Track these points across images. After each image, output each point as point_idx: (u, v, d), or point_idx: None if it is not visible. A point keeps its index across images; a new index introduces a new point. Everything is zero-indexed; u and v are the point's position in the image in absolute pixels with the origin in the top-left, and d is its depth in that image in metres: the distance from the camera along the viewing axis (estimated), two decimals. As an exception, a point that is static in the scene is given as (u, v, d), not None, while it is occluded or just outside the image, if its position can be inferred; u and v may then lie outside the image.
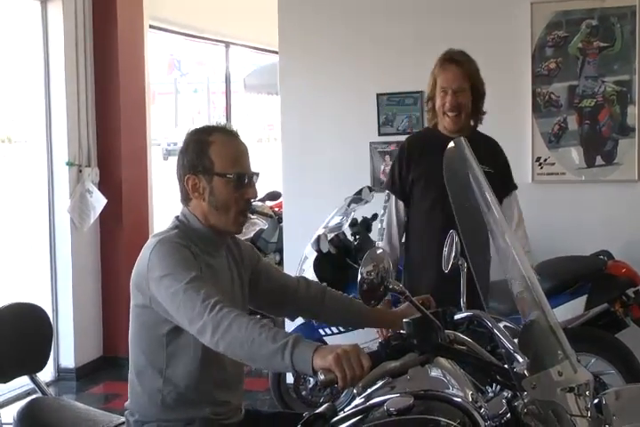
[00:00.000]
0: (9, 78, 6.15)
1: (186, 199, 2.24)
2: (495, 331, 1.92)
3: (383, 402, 1.86)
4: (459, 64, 3.31)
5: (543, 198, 4.52)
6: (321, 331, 4.13)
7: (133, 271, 2.15)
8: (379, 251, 1.84)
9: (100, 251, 5.71)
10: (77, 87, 5.42)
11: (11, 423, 2.42)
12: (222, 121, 2.35)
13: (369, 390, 1.95)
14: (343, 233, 4.42)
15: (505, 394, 1.85)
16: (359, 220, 4.44)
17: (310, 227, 4.51)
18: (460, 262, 2.29)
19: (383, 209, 3.49)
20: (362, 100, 4.87)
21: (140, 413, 2.19)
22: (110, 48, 5.61)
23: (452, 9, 4.70)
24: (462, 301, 2.34)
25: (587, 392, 1.75)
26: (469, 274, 2.15)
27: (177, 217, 2.26)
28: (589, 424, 1.74)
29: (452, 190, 2.11)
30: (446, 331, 1.89)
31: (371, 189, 4.45)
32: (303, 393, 4.33)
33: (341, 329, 4.09)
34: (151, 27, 6.38)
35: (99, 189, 5.49)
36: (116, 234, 5.69)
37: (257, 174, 2.24)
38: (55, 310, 5.40)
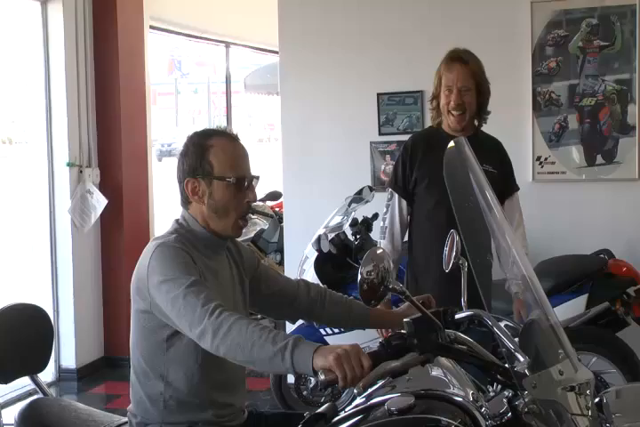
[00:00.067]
0: (9, 79, 6.15)
1: (186, 203, 2.24)
2: (496, 330, 1.92)
3: (384, 402, 1.86)
4: (464, 63, 3.30)
5: (543, 197, 4.52)
6: (322, 331, 4.13)
7: (133, 277, 2.15)
8: (379, 251, 1.84)
9: (100, 251, 5.71)
10: (78, 88, 5.42)
11: (12, 424, 2.42)
12: (222, 124, 2.34)
13: (370, 390, 1.95)
14: (344, 233, 4.42)
15: (506, 393, 1.85)
16: (360, 219, 4.44)
17: (311, 227, 4.51)
18: (460, 262, 2.29)
19: (386, 207, 3.48)
20: (362, 99, 4.88)
21: (143, 416, 2.19)
22: (111, 49, 5.61)
23: (452, 8, 4.70)
24: (463, 300, 2.34)
25: (587, 391, 1.75)
26: (470, 273, 2.15)
27: (177, 220, 2.25)
28: (590, 423, 1.74)
29: (453, 190, 2.10)
30: (447, 330, 1.88)
31: (371, 189, 4.45)
32: (304, 393, 4.33)
33: (342, 329, 4.09)
34: (151, 27, 6.38)
35: (99, 190, 5.49)
36: (117, 234, 5.69)
37: (257, 178, 2.24)
38: (56, 311, 5.40)
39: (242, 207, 2.20)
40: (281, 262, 5.71)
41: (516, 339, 1.84)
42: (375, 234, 4.12)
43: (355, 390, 1.75)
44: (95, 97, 5.60)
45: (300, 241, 4.66)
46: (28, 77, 5.47)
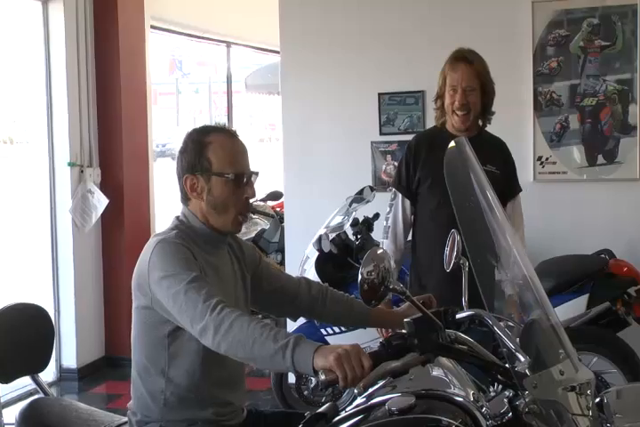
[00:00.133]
0: (10, 79, 6.16)
1: (185, 199, 2.25)
2: (496, 330, 1.92)
3: (384, 402, 1.86)
4: (469, 63, 3.30)
5: (544, 197, 4.51)
6: (323, 330, 4.12)
7: (134, 273, 2.15)
8: (379, 251, 1.84)
9: (101, 251, 5.72)
10: (79, 88, 5.43)
11: (13, 424, 2.42)
12: (221, 121, 2.35)
13: (370, 390, 1.95)
14: (345, 233, 4.42)
15: (506, 393, 1.85)
16: (361, 219, 4.44)
17: (312, 227, 4.51)
18: (461, 262, 2.29)
19: (389, 207, 3.47)
20: (363, 99, 4.87)
21: (143, 413, 2.19)
22: (112, 48, 5.61)
23: (452, 8, 4.70)
24: (464, 300, 2.34)
25: (588, 391, 1.75)
26: (471, 273, 2.15)
27: (177, 217, 2.26)
28: (591, 423, 1.74)
29: (453, 190, 2.10)
30: (447, 330, 1.88)
31: (372, 189, 4.45)
32: (305, 393, 4.33)
33: (343, 329, 4.09)
34: (152, 27, 6.38)
35: (100, 190, 5.49)
36: (118, 234, 5.70)
37: (256, 174, 2.24)
38: (57, 310, 5.41)
39: (241, 203, 2.21)
40: (282, 262, 5.71)
41: (517, 339, 1.84)
42: (376, 234, 4.12)
43: (355, 391, 1.75)
44: (96, 97, 5.60)
45: (300, 241, 4.66)
46: (28, 77, 5.48)
